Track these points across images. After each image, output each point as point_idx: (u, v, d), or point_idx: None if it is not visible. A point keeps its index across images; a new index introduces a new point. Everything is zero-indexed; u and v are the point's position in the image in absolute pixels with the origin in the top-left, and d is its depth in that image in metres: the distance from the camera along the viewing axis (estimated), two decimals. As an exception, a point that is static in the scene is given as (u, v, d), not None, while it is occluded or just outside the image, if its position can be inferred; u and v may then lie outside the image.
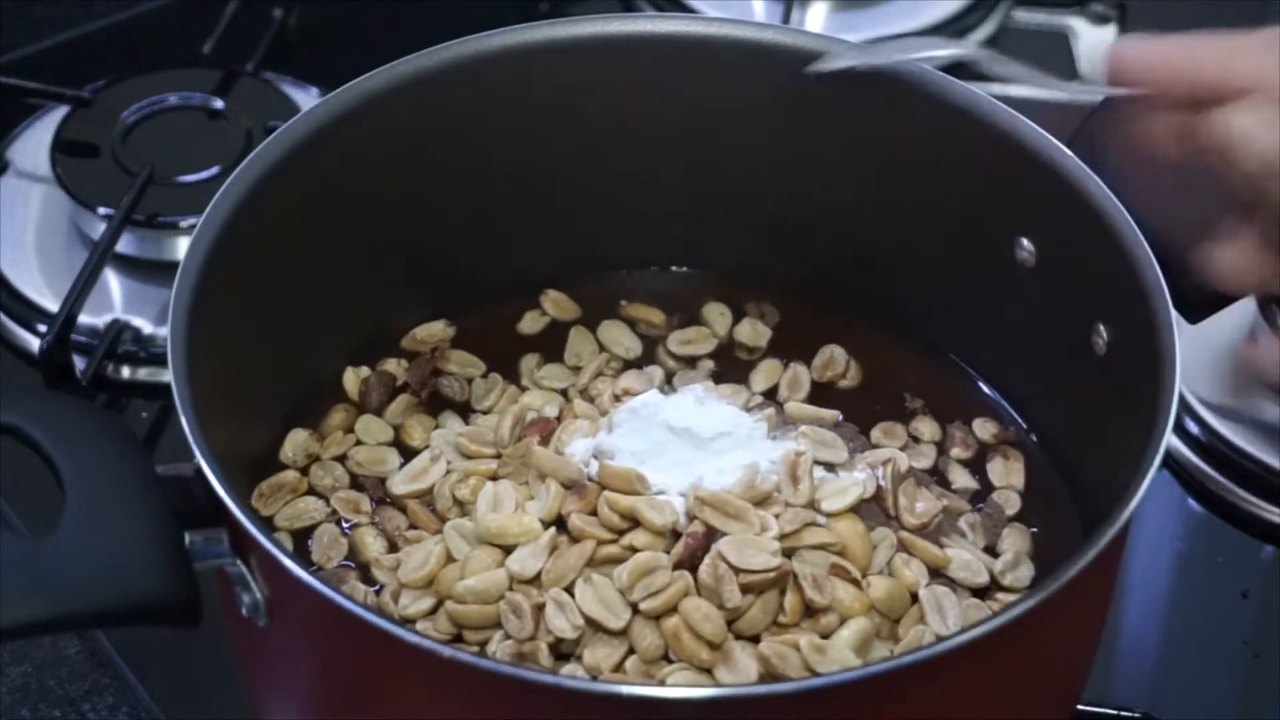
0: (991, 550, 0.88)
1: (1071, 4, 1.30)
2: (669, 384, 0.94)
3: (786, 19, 1.22)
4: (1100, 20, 1.29)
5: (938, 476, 0.91)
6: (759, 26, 0.95)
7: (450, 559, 0.84)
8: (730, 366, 0.95)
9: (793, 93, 0.93)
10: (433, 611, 0.83)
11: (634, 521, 0.83)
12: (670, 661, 0.79)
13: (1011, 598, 0.85)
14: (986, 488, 0.91)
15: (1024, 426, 0.93)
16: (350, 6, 1.28)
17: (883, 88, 0.91)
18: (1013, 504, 0.90)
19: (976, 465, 0.92)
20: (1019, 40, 1.28)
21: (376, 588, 0.85)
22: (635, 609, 0.80)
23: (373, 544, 0.86)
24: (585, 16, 0.93)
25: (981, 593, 0.86)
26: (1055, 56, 1.27)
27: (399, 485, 0.89)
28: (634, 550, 0.82)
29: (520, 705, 0.72)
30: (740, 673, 0.79)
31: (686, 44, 0.93)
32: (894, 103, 0.91)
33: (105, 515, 0.73)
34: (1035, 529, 0.89)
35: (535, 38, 0.92)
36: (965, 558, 0.86)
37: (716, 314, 0.98)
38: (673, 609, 0.80)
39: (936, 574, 0.85)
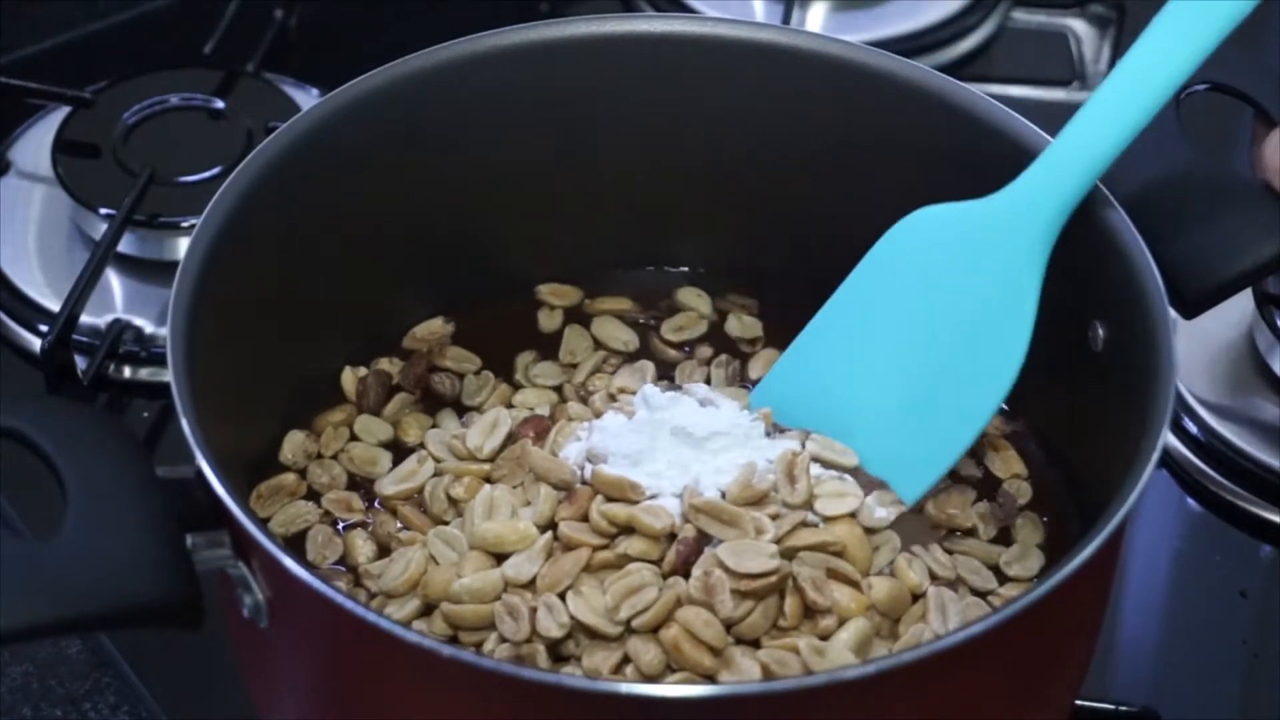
0: (1004, 538, 0.88)
1: (1071, 5, 1.30)
2: (670, 380, 0.94)
3: (786, 19, 1.22)
4: (1099, 22, 1.29)
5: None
6: (759, 26, 0.95)
7: (434, 563, 0.85)
8: (729, 354, 0.96)
9: (792, 93, 0.93)
10: (419, 617, 0.83)
11: (628, 526, 0.83)
12: (672, 671, 0.80)
13: (1016, 590, 0.85)
14: (990, 478, 0.91)
15: (1022, 424, 0.93)
16: (350, 6, 1.28)
17: (882, 88, 0.91)
18: (1024, 493, 0.90)
19: (976, 454, 0.92)
20: (1018, 41, 1.28)
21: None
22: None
23: (362, 548, 0.86)
24: (585, 16, 0.94)
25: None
26: (1054, 57, 1.27)
27: (387, 487, 0.89)
28: (629, 558, 0.82)
29: (520, 705, 0.72)
30: (743, 678, 0.79)
31: (686, 44, 0.93)
32: (893, 103, 0.91)
33: (106, 518, 0.73)
34: (1046, 519, 0.89)
35: (535, 38, 0.93)
36: (973, 564, 0.86)
37: (694, 296, 0.98)
38: (667, 619, 0.80)
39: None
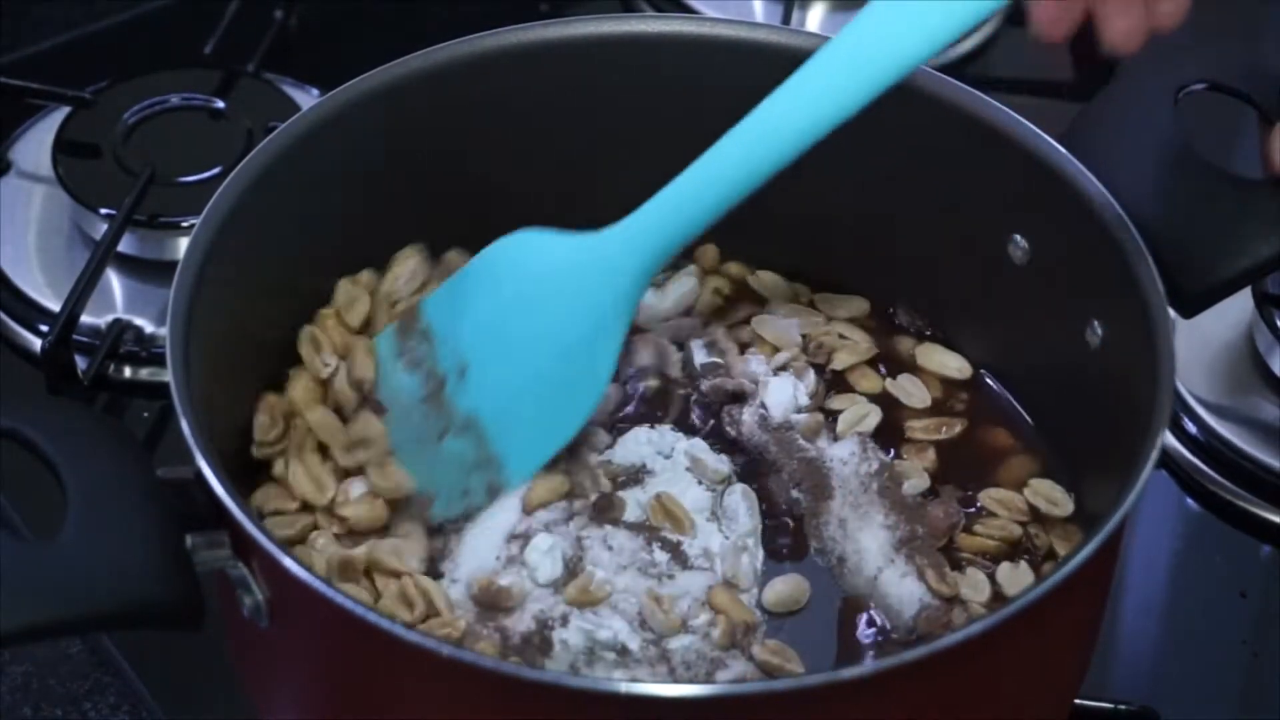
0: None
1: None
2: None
3: (786, 19, 1.22)
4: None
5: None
6: (759, 26, 0.95)
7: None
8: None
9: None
10: None
11: None
12: None
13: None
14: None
15: (1029, 420, 0.93)
16: (350, 6, 1.28)
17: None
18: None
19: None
20: (1018, 41, 1.28)
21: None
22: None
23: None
24: (585, 16, 0.94)
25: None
26: (1053, 57, 1.27)
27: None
28: None
29: (520, 705, 0.72)
30: None
31: (686, 44, 0.94)
32: (891, 102, 0.91)
33: (106, 519, 0.74)
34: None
35: (535, 38, 0.93)
36: (978, 578, 0.86)
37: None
38: None
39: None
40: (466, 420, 0.87)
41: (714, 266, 0.98)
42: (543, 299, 0.87)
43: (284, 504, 0.86)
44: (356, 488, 0.87)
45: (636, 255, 0.87)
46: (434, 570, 0.85)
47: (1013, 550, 0.87)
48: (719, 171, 0.86)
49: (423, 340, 0.89)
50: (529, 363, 0.87)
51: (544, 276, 0.88)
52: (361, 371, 0.88)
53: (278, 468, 0.87)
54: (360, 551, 0.84)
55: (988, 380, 0.94)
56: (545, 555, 0.84)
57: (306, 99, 1.16)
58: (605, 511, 0.86)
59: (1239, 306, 1.03)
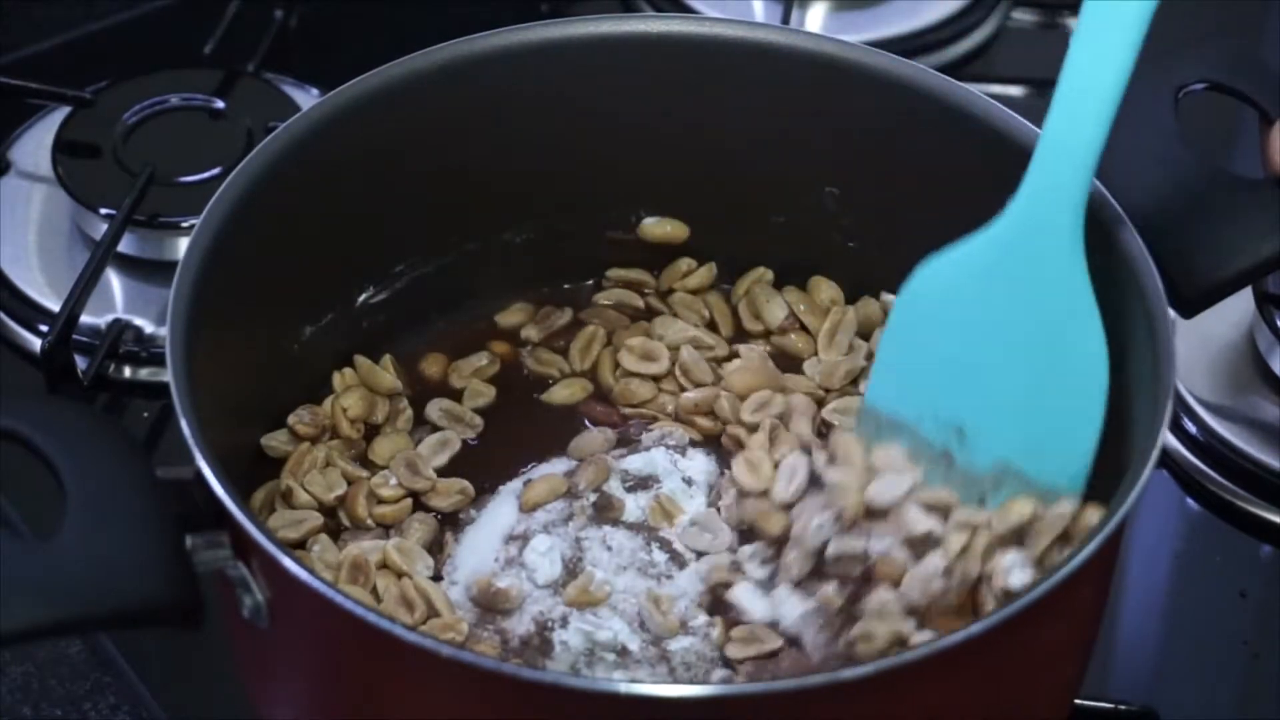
0: None
1: (1072, 4, 1.30)
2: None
3: (786, 19, 1.22)
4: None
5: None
6: (759, 26, 0.95)
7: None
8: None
9: (792, 93, 0.93)
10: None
11: None
12: None
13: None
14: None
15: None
16: (350, 6, 1.28)
17: (881, 88, 0.91)
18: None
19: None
20: (1018, 40, 1.28)
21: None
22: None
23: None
24: (585, 16, 0.94)
25: None
26: (1054, 57, 1.27)
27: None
28: None
29: (520, 705, 0.72)
30: None
31: (686, 44, 0.93)
32: (892, 103, 0.91)
33: (106, 519, 0.73)
34: None
35: (534, 38, 0.93)
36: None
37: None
38: None
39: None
40: (997, 474, 0.82)
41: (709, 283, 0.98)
42: (991, 310, 0.81)
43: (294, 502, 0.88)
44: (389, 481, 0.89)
45: (1054, 211, 0.80)
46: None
47: None
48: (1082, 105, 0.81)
49: (896, 433, 0.84)
50: (1020, 377, 0.81)
51: (975, 291, 0.81)
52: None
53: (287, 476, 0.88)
54: (371, 553, 0.84)
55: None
56: (544, 556, 0.84)
57: (306, 99, 1.16)
58: (604, 511, 0.86)
59: (1239, 306, 1.03)
